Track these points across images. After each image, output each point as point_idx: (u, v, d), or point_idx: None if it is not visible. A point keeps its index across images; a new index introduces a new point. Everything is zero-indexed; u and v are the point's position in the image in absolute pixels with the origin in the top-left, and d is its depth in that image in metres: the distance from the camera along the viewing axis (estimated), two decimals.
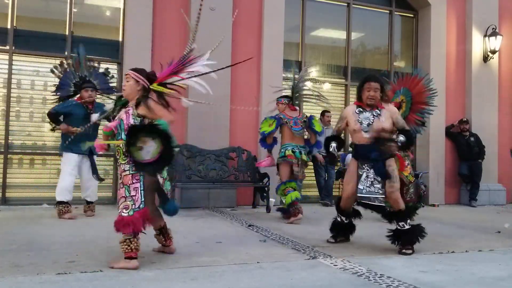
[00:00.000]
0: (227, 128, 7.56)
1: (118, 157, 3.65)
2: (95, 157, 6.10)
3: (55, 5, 7.52)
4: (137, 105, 3.64)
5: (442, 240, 5.09)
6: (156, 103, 3.65)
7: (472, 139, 8.93)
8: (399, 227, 4.36)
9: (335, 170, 8.18)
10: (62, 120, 6.00)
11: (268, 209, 7.04)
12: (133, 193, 3.52)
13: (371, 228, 5.37)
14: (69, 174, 5.89)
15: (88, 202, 6.16)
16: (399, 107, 6.47)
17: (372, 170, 4.40)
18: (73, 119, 5.88)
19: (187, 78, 3.74)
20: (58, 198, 5.86)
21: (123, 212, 3.50)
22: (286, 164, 6.14)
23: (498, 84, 9.53)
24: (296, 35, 8.67)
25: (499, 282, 3.52)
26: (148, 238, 4.38)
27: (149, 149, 3.44)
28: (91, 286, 3.07)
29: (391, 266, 3.82)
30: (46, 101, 7.12)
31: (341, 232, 4.76)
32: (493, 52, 9.31)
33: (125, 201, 3.52)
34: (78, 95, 6.07)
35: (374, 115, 4.44)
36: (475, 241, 5.11)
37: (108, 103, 6.15)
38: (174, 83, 3.76)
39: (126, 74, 3.75)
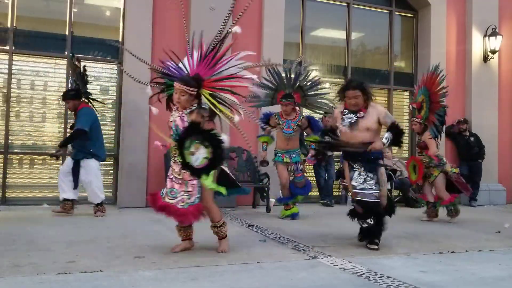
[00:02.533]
0: (227, 128, 7.53)
1: (176, 156, 3.92)
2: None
3: (55, 5, 7.52)
4: (190, 112, 3.95)
5: (442, 240, 5.09)
6: (206, 118, 3.99)
7: (472, 139, 8.92)
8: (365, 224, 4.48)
9: (335, 170, 8.17)
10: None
11: (268, 209, 7.04)
12: (190, 188, 3.90)
13: None
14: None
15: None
16: (420, 107, 6.41)
17: (363, 168, 4.47)
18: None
19: (236, 85, 4.09)
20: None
21: (178, 204, 3.87)
22: (280, 164, 6.27)
23: (498, 84, 9.53)
24: (296, 35, 8.67)
25: (499, 282, 3.52)
26: (148, 238, 4.39)
27: (199, 156, 3.81)
28: (91, 286, 3.07)
29: (391, 266, 3.82)
30: (46, 101, 7.14)
31: (367, 235, 4.66)
32: (493, 52, 9.31)
33: (183, 195, 3.89)
34: (82, 101, 6.15)
35: (358, 117, 4.50)
36: (475, 241, 5.10)
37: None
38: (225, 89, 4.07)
39: (180, 88, 3.89)
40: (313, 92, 6.31)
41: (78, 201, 6.25)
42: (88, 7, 7.65)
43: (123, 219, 5.96)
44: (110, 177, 7.41)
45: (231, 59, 4.07)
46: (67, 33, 7.21)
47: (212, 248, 4.24)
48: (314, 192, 8.45)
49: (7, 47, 6.94)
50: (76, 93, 6.08)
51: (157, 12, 7.33)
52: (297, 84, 6.24)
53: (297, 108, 6.34)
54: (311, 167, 8.09)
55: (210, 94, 4.01)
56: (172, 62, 4.18)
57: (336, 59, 9.15)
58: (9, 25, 6.99)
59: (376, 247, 4.41)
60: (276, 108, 6.54)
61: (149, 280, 3.25)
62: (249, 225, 5.70)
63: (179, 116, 3.97)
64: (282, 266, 3.76)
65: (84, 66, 6.24)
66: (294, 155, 6.26)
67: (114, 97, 7.47)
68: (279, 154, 6.30)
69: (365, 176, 4.44)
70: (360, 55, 9.52)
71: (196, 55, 4.11)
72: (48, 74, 7.21)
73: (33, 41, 7.11)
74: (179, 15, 7.38)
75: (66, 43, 7.18)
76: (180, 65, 4.15)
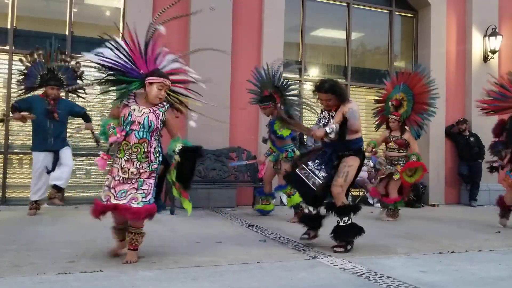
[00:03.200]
0: (227, 128, 7.55)
1: (137, 154, 3.69)
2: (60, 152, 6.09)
3: (55, 5, 7.52)
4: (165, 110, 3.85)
5: (442, 240, 5.09)
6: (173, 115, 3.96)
7: (472, 139, 8.92)
8: (338, 223, 4.35)
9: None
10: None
11: None
12: (145, 187, 3.70)
13: (371, 228, 5.35)
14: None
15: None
16: (399, 105, 6.44)
17: (325, 159, 4.43)
18: (33, 113, 5.95)
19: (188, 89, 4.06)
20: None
21: (132, 203, 3.63)
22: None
23: None
24: (296, 35, 8.67)
25: (499, 282, 3.52)
26: (148, 238, 4.38)
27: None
28: (91, 286, 3.07)
29: (391, 266, 3.82)
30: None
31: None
32: (493, 52, 9.31)
33: (135, 193, 3.65)
34: (43, 91, 6.09)
35: (331, 116, 4.45)
36: (475, 241, 5.10)
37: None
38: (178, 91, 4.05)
39: (166, 84, 3.80)
40: (288, 93, 6.19)
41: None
42: (88, 7, 7.66)
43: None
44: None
45: (167, 54, 4.05)
46: (67, 33, 7.22)
47: (212, 248, 4.24)
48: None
49: (7, 47, 6.95)
50: (61, 82, 6.07)
51: (157, 12, 7.31)
52: (278, 83, 6.14)
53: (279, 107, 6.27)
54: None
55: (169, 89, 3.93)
56: (107, 55, 3.87)
57: (336, 59, 9.15)
58: (9, 25, 6.99)
59: (342, 250, 4.27)
60: None
61: (149, 280, 3.25)
62: (249, 225, 5.70)
63: (151, 113, 3.75)
64: (282, 266, 3.75)
65: (78, 62, 6.23)
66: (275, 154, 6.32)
67: (113, 95, 7.46)
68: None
69: (323, 166, 4.39)
70: (360, 55, 9.52)
71: (133, 48, 3.94)
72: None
73: (33, 41, 7.09)
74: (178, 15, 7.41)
75: (66, 43, 7.18)
76: (122, 57, 3.89)
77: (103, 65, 3.86)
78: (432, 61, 9.08)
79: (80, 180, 7.33)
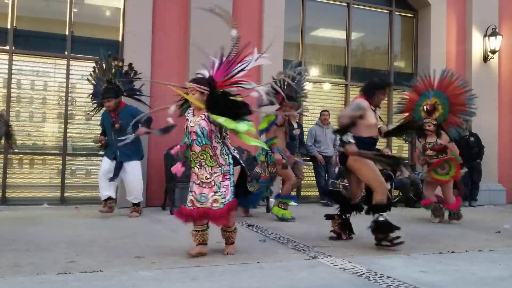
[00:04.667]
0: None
1: (205, 161, 3.93)
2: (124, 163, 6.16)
3: (55, 5, 7.52)
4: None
5: (442, 240, 5.09)
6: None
7: (472, 139, 8.91)
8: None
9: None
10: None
11: (268, 209, 7.02)
12: (223, 189, 3.91)
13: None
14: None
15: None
16: (433, 109, 6.37)
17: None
18: (106, 129, 6.17)
19: (247, 87, 4.10)
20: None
21: (213, 206, 3.86)
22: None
23: (498, 84, 9.53)
24: (296, 35, 8.67)
25: (499, 282, 3.52)
26: (148, 238, 4.39)
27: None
28: (91, 286, 3.07)
29: (391, 266, 3.82)
30: (46, 101, 7.15)
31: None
32: (493, 52, 9.31)
33: (214, 195, 3.88)
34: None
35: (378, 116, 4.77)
36: (475, 241, 5.10)
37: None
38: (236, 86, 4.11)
39: (190, 88, 3.92)
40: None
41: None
42: (88, 7, 7.65)
43: (123, 219, 5.96)
44: None
45: (245, 63, 4.09)
46: (67, 33, 7.22)
47: (212, 248, 4.24)
48: (314, 192, 8.46)
49: (7, 47, 6.95)
50: (116, 91, 6.08)
51: (157, 12, 7.33)
52: (303, 87, 6.34)
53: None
54: (312, 167, 8.11)
55: (222, 91, 4.04)
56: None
57: (336, 59, 9.15)
58: (9, 25, 6.99)
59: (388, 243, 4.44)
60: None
61: (149, 280, 3.25)
62: (249, 225, 5.70)
63: (202, 119, 3.93)
64: (282, 266, 3.75)
65: (131, 64, 6.28)
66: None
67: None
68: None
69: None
70: (360, 55, 9.52)
71: (216, 64, 4.12)
72: (48, 74, 7.22)
73: (33, 41, 7.11)
74: (179, 15, 7.41)
75: (66, 43, 7.18)
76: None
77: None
78: (432, 61, 9.08)
79: (80, 180, 7.33)
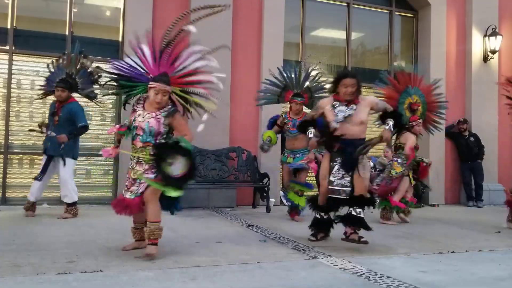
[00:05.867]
0: (227, 128, 7.55)
1: (143, 157, 3.85)
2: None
3: (55, 5, 7.52)
4: (168, 115, 3.88)
5: (442, 240, 5.09)
6: (182, 118, 4.02)
7: (471, 139, 8.91)
8: (354, 213, 4.37)
9: None
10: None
11: (268, 209, 7.04)
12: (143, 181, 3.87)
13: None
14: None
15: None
16: (417, 108, 6.35)
17: (341, 165, 4.47)
18: (48, 119, 6.04)
19: (203, 87, 4.07)
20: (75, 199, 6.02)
21: (126, 195, 3.91)
22: (285, 164, 6.25)
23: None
24: (296, 35, 8.67)
25: (499, 282, 3.52)
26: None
27: (178, 165, 3.71)
28: (91, 286, 3.07)
29: (391, 266, 3.82)
30: (46, 101, 7.13)
31: (321, 228, 4.78)
32: (493, 52, 9.31)
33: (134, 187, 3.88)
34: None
35: (351, 109, 4.44)
36: (475, 241, 5.11)
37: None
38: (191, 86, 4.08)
39: (163, 89, 3.83)
40: (320, 95, 6.27)
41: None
42: (88, 7, 7.65)
43: (123, 219, 5.94)
44: (110, 177, 7.41)
45: (190, 55, 4.03)
46: (67, 33, 7.22)
47: (212, 248, 4.25)
48: (314, 192, 8.45)
49: (7, 47, 6.95)
50: (72, 85, 5.99)
51: (157, 12, 7.33)
52: (306, 85, 6.24)
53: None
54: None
55: (181, 90, 4.02)
56: (122, 62, 4.03)
57: (336, 59, 9.15)
58: (9, 25, 6.99)
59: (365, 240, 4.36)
60: (277, 108, 6.54)
61: (149, 280, 3.25)
62: (249, 225, 5.70)
63: (153, 118, 3.84)
64: (282, 266, 3.76)
65: (98, 67, 6.15)
66: (298, 155, 6.22)
67: (114, 98, 7.46)
68: (286, 155, 6.30)
69: (344, 172, 4.46)
70: (360, 55, 9.52)
71: (148, 53, 3.99)
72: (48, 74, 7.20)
73: (33, 41, 7.11)
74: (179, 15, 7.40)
75: (66, 43, 7.18)
76: (132, 63, 3.99)
77: (110, 72, 4.01)
78: (432, 61, 9.08)
79: (80, 180, 7.32)
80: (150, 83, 3.87)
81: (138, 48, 4.01)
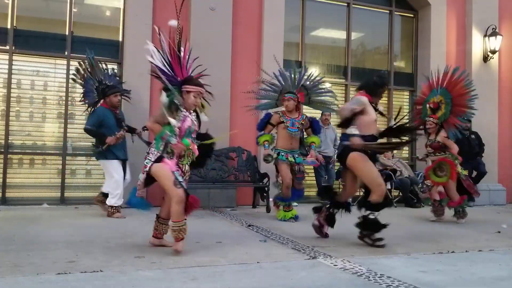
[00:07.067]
0: (227, 128, 7.55)
1: (182, 159, 4.10)
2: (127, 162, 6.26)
3: (55, 5, 7.53)
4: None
5: (442, 240, 5.09)
6: None
7: (472, 136, 8.89)
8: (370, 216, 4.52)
9: (335, 170, 8.18)
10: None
11: (268, 209, 7.03)
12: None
13: None
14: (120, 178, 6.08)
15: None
16: (437, 107, 6.39)
17: None
18: (105, 127, 6.00)
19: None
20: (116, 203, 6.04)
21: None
22: (283, 163, 6.18)
23: (498, 84, 9.53)
24: (296, 35, 8.67)
25: (499, 282, 3.52)
26: (148, 238, 4.39)
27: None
28: (91, 286, 3.07)
29: (391, 266, 3.82)
30: (46, 101, 7.15)
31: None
32: (493, 52, 9.31)
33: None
34: (102, 101, 6.12)
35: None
36: (475, 241, 5.11)
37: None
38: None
39: (198, 91, 3.99)
40: (317, 91, 6.32)
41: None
42: (88, 7, 7.65)
43: (123, 219, 5.95)
44: None
45: (193, 59, 4.21)
46: (67, 33, 7.22)
47: (212, 248, 4.25)
48: (314, 192, 8.44)
49: (7, 47, 6.95)
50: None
51: (157, 12, 7.33)
52: (301, 84, 6.23)
53: (301, 107, 6.36)
54: (311, 167, 8.09)
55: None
56: (160, 65, 4.04)
57: (336, 59, 9.15)
58: (9, 25, 6.99)
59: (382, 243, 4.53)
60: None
61: (149, 280, 3.25)
62: (249, 225, 5.70)
63: (190, 119, 4.02)
64: (282, 266, 3.75)
65: (113, 69, 6.37)
66: (296, 155, 6.24)
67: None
68: (282, 153, 6.19)
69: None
70: (360, 55, 9.52)
71: (172, 57, 4.06)
72: (48, 74, 7.22)
73: (33, 41, 7.11)
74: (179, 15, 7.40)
75: (66, 43, 7.19)
76: (163, 68, 4.04)
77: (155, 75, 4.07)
78: (432, 61, 9.07)
79: (80, 180, 7.34)
80: (188, 86, 3.97)
81: (164, 52, 4.08)
